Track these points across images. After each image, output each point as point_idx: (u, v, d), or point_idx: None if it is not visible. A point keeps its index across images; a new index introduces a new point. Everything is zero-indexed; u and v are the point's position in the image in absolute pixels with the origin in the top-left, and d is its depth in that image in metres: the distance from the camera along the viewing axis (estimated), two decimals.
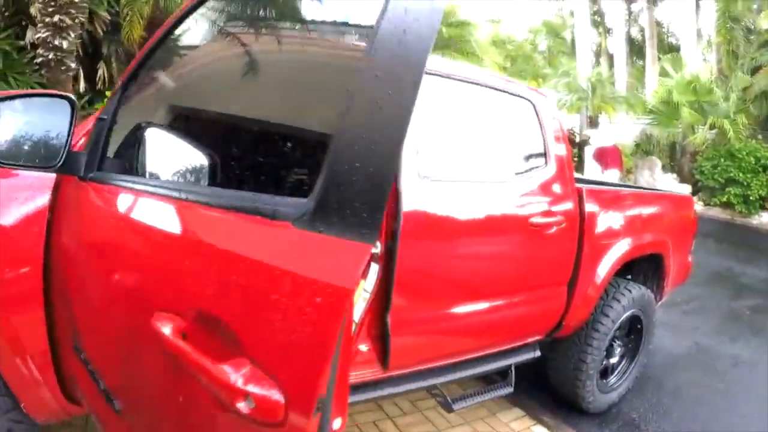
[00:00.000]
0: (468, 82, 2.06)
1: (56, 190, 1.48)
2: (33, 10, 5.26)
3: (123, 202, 1.27)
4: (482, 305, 2.06)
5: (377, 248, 1.76)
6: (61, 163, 1.30)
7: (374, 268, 1.78)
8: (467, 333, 2.07)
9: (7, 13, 5.93)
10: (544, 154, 2.23)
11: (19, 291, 1.44)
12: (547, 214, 2.12)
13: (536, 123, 2.24)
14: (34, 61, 5.40)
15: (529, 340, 2.34)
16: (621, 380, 2.89)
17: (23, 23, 5.83)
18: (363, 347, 1.86)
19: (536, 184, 2.17)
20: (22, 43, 5.77)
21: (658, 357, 3.53)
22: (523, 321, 2.23)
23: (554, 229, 2.13)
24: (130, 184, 1.28)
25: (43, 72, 5.26)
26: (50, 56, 4.97)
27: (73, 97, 1.22)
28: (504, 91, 2.20)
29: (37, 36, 5.15)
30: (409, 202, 1.75)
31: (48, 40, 4.96)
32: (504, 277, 2.11)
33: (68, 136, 1.27)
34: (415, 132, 1.82)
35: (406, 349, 1.89)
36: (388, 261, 1.75)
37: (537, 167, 2.22)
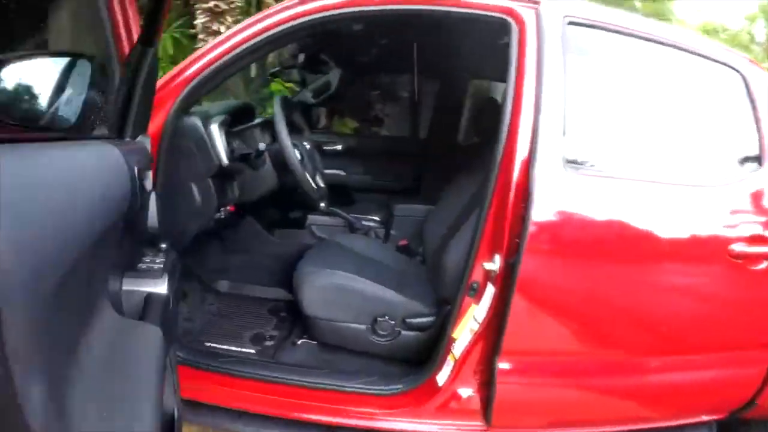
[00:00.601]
0: (644, 38, 1.45)
1: None
2: None
3: None
4: (636, 360, 1.46)
5: (495, 264, 1.28)
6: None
7: (489, 292, 1.31)
8: (611, 396, 1.48)
9: (178, 2, 6.39)
10: (759, 153, 1.51)
11: None
12: (757, 240, 1.42)
13: (747, 105, 1.50)
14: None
15: (703, 417, 1.65)
16: None
17: (194, 12, 6.25)
18: (464, 391, 1.40)
19: (743, 194, 1.46)
20: (193, 31, 6.19)
21: None
22: (696, 390, 1.55)
23: (766, 264, 1.44)
24: None
25: None
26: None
27: (91, 56, 0.94)
28: (698, 55, 1.51)
29: (196, 22, 5.46)
30: (544, 202, 1.24)
31: (207, 25, 5.26)
32: (676, 325, 1.45)
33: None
34: (561, 104, 1.30)
35: (517, 404, 1.40)
36: (507, 283, 1.26)
37: (745, 169, 1.52)
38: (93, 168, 0.71)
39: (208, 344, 1.76)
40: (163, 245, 1.07)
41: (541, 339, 1.36)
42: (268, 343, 1.81)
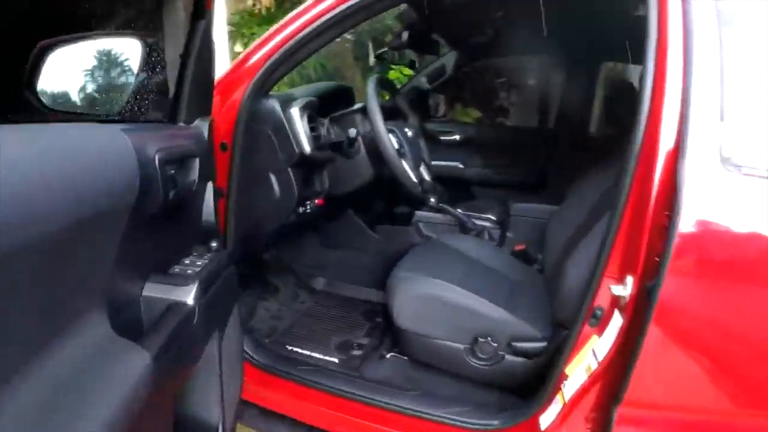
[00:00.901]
0: None
1: None
2: None
3: None
4: None
5: (626, 288, 0.99)
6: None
7: (616, 323, 1.02)
8: None
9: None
10: None
11: None
12: None
13: None
14: None
15: None
16: None
17: None
18: None
19: None
20: None
21: None
22: None
23: None
24: None
25: None
26: None
27: (145, 35, 0.84)
28: None
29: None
30: (695, 209, 0.92)
31: None
32: None
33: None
34: (717, 81, 0.95)
35: None
36: (640, 313, 0.97)
37: None
38: (64, 150, 0.59)
39: (291, 348, 1.67)
40: (214, 243, 0.94)
41: (677, 390, 1.03)
42: (355, 352, 1.68)
